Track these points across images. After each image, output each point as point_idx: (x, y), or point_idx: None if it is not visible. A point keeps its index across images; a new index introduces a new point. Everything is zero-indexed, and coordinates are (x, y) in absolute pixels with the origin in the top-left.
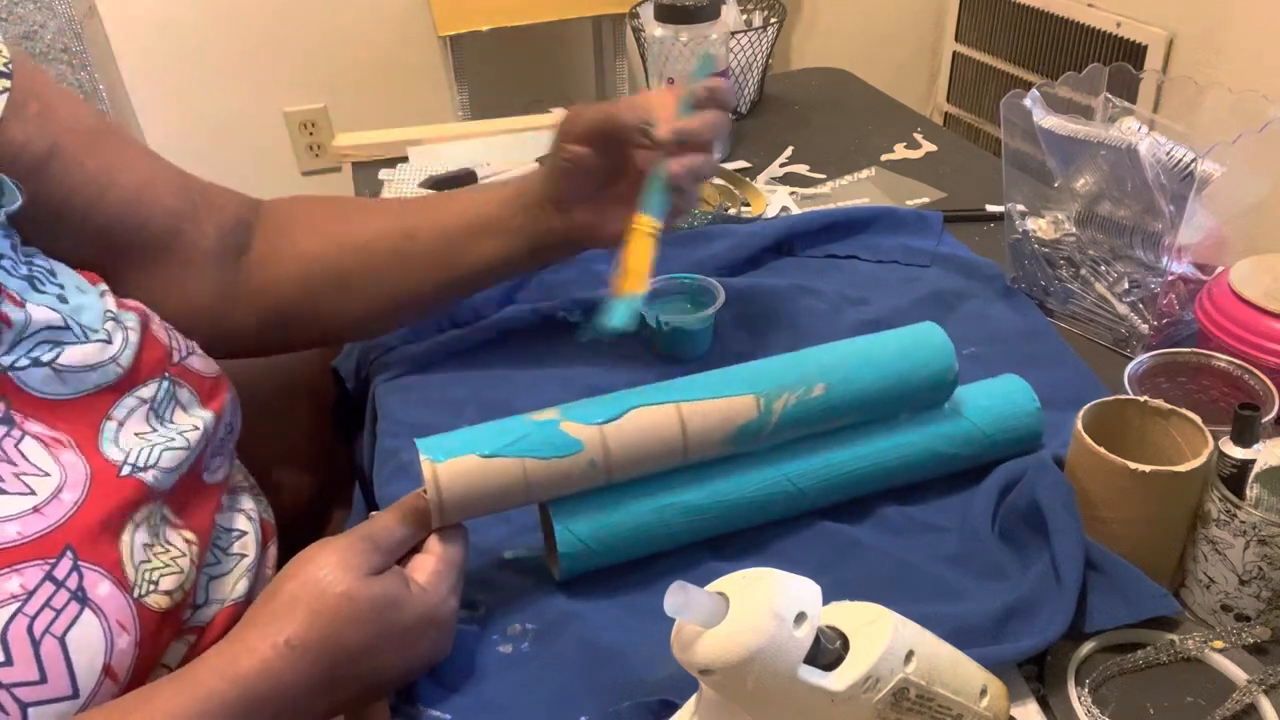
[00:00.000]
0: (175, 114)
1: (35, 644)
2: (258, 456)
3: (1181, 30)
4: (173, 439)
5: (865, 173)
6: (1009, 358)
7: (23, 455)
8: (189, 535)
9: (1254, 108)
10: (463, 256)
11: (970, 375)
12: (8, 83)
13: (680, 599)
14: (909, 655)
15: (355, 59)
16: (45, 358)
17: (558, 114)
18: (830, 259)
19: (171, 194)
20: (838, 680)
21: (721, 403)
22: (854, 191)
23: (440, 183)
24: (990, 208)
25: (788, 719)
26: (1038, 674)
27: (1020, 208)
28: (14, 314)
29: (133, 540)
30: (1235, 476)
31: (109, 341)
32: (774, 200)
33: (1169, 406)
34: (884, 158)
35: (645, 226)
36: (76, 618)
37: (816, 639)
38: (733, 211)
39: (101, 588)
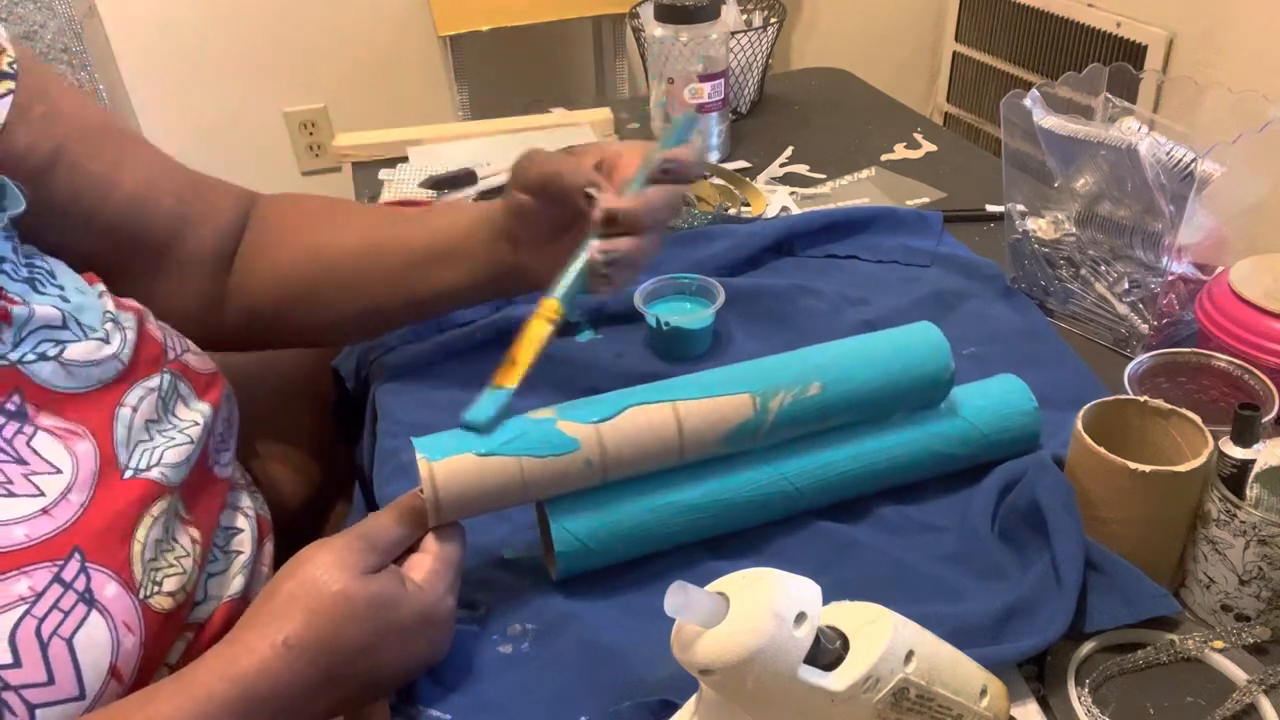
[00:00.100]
0: (175, 114)
1: (43, 646)
2: (258, 456)
3: (1181, 30)
4: (173, 437)
5: (865, 173)
6: (1009, 358)
7: (34, 452)
8: (194, 534)
9: (1254, 108)
10: (424, 280)
11: (970, 375)
12: (12, 84)
13: (680, 599)
14: (909, 655)
15: (355, 59)
16: (50, 353)
17: (557, 114)
18: (830, 259)
19: (173, 196)
20: (838, 680)
21: (718, 402)
22: (854, 191)
23: (440, 183)
24: (990, 208)
25: (788, 719)
26: (1038, 674)
27: (1020, 208)
28: (16, 310)
29: (146, 537)
30: (1235, 476)
31: (107, 341)
32: (774, 200)
33: (1169, 406)
34: (884, 158)
35: (546, 313)
36: (84, 619)
37: (816, 639)
38: (733, 211)
39: (109, 589)
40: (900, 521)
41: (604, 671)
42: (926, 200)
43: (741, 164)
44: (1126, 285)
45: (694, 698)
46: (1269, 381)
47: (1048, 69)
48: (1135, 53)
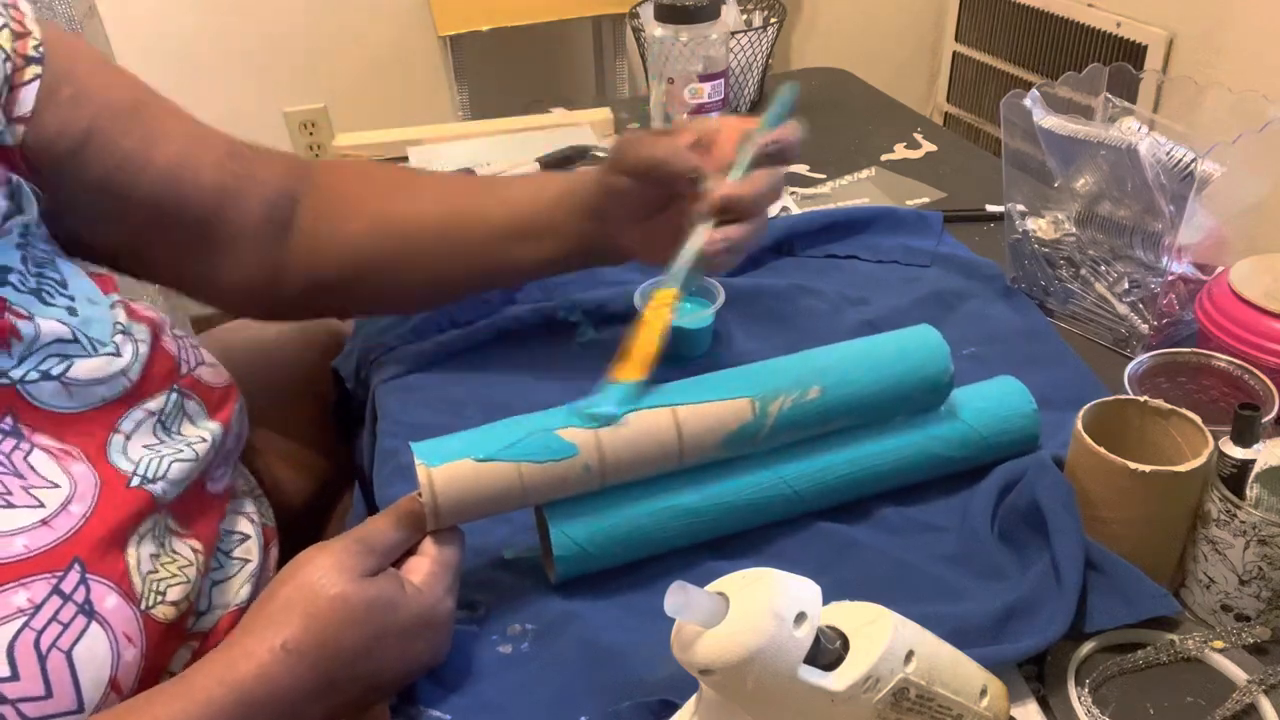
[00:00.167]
0: None
1: (42, 659)
2: (258, 457)
3: (1181, 30)
4: (181, 450)
5: (865, 173)
6: (1009, 358)
7: (31, 468)
8: (195, 544)
9: (1254, 108)
10: (505, 254)
11: (970, 375)
12: (39, 69)
13: (680, 599)
14: (909, 655)
15: (355, 59)
16: (55, 371)
17: (557, 114)
18: (830, 259)
19: (212, 168)
20: (838, 680)
21: (717, 406)
22: (854, 191)
23: None
24: (990, 208)
25: (788, 719)
26: (1038, 674)
27: (1020, 208)
28: (24, 327)
29: (139, 552)
30: (1235, 476)
31: (118, 354)
32: None
33: (1169, 406)
34: (884, 158)
35: (666, 301)
36: (84, 631)
37: (816, 639)
38: None
39: (109, 600)
40: (900, 522)
41: (604, 671)
42: (926, 200)
43: None
44: (1126, 285)
45: (694, 698)
46: (1269, 381)
47: (1048, 69)
48: (1135, 53)
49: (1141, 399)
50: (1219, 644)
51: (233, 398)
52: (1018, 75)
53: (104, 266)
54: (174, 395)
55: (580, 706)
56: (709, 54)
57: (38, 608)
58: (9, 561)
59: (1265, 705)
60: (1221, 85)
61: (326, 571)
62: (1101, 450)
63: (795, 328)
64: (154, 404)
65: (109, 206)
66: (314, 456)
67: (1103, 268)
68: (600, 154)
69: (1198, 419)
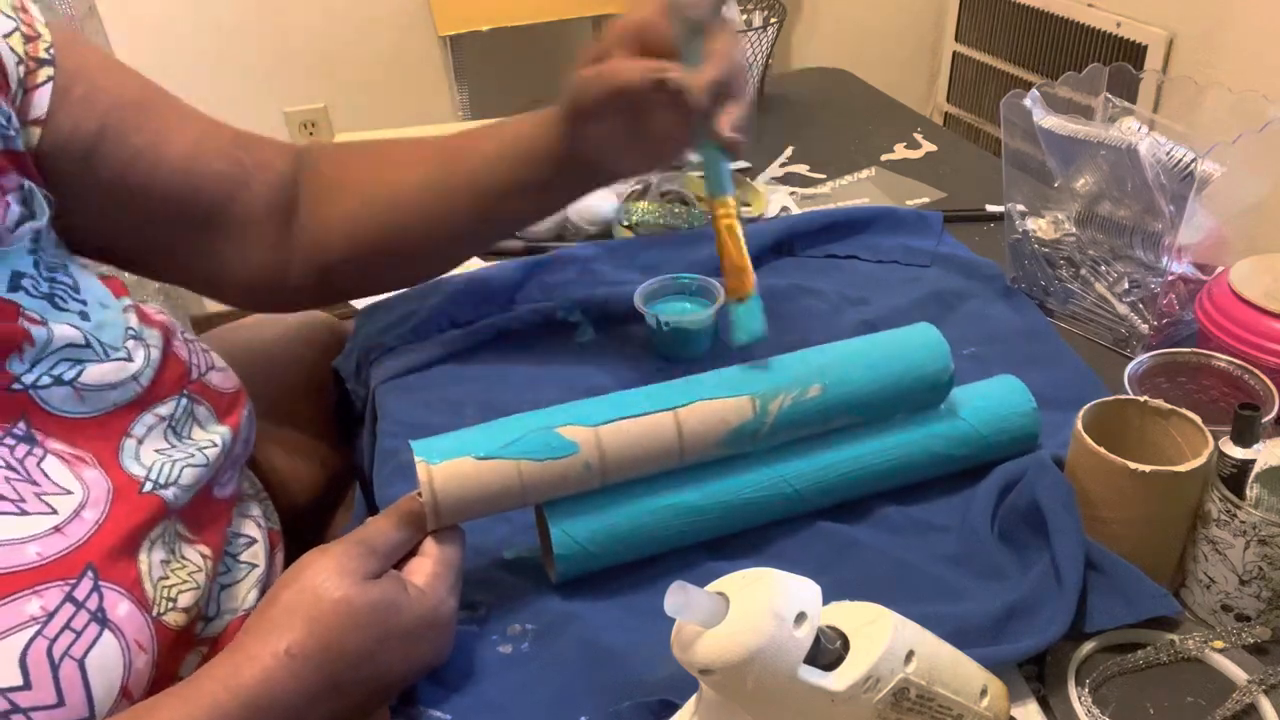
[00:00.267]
0: None
1: (54, 667)
2: (259, 457)
3: (1181, 30)
4: (193, 455)
5: (865, 173)
6: (1009, 358)
7: (44, 474)
8: (204, 550)
9: (1254, 108)
10: (498, 211)
11: (970, 375)
12: (51, 70)
13: (680, 599)
14: (909, 655)
15: (355, 59)
16: (67, 376)
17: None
18: (830, 259)
19: (220, 159)
20: (838, 680)
21: (717, 404)
22: (854, 191)
23: None
24: (990, 208)
25: (788, 719)
26: (1038, 674)
27: (1020, 208)
28: (37, 332)
29: (150, 558)
30: (1235, 476)
31: (130, 359)
32: (774, 200)
33: (1169, 406)
34: (884, 158)
35: (729, 210)
36: (96, 639)
37: (816, 639)
38: None
39: (121, 608)
40: (900, 521)
41: (604, 671)
42: (926, 200)
43: (741, 164)
44: (1126, 285)
45: (694, 698)
46: (1269, 381)
47: (1048, 69)
48: (1135, 53)
49: (1141, 399)
50: (1219, 644)
51: (241, 402)
52: (1018, 75)
53: (112, 265)
54: (184, 400)
55: (580, 706)
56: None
57: (50, 615)
58: (22, 569)
59: (1265, 705)
60: (1221, 85)
61: (329, 575)
62: (1101, 450)
63: (795, 328)
64: (164, 409)
65: (123, 202)
66: (314, 457)
67: (1103, 268)
68: None
69: (1198, 419)
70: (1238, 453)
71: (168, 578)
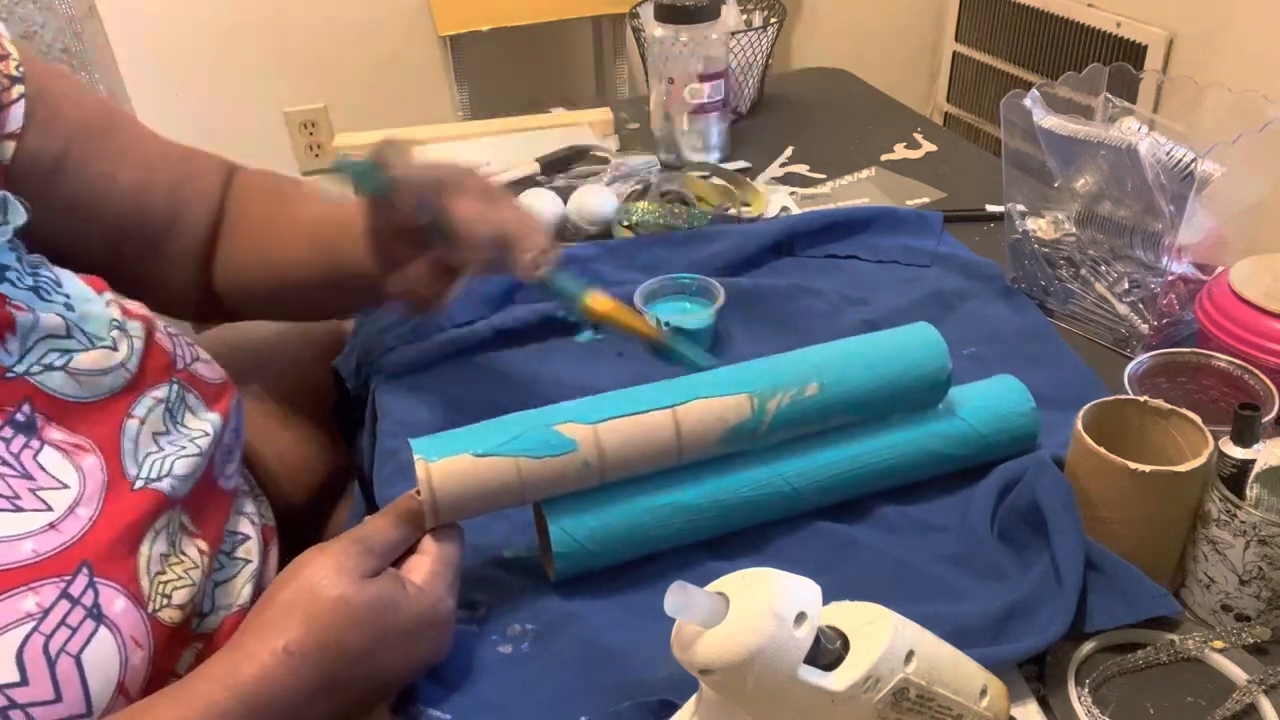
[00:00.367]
0: (175, 114)
1: (51, 663)
2: (258, 457)
3: (1181, 30)
4: (184, 447)
5: (865, 173)
6: (1009, 358)
7: (41, 468)
8: (202, 545)
9: (1254, 108)
10: (372, 295)
11: (970, 375)
12: (22, 88)
13: (680, 599)
14: (909, 655)
15: (355, 59)
16: (57, 363)
17: (557, 114)
18: (830, 259)
19: (167, 183)
20: (838, 680)
21: (715, 402)
22: (854, 191)
23: None
24: (990, 208)
25: (788, 719)
26: (1038, 674)
27: (1020, 208)
28: (22, 318)
29: (151, 551)
30: (1235, 476)
31: (114, 349)
32: (774, 200)
33: (1169, 406)
34: (884, 158)
35: (596, 301)
36: (92, 635)
37: (816, 639)
38: (733, 212)
39: (117, 604)
40: (900, 521)
41: (604, 671)
42: (926, 200)
43: (741, 164)
44: (1126, 285)
45: (694, 698)
46: (1269, 381)
47: (1048, 69)
48: (1135, 53)
49: (1141, 399)
50: (1219, 644)
51: (229, 392)
52: (1018, 75)
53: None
54: (175, 386)
55: (580, 706)
56: (709, 54)
57: (46, 612)
58: (17, 566)
59: (1265, 705)
60: (1221, 85)
61: (327, 573)
62: (1101, 450)
63: (795, 328)
64: (159, 393)
65: (79, 225)
66: (314, 456)
67: (1103, 268)
68: (600, 154)
69: (1198, 419)
70: (1238, 453)
71: (164, 573)
